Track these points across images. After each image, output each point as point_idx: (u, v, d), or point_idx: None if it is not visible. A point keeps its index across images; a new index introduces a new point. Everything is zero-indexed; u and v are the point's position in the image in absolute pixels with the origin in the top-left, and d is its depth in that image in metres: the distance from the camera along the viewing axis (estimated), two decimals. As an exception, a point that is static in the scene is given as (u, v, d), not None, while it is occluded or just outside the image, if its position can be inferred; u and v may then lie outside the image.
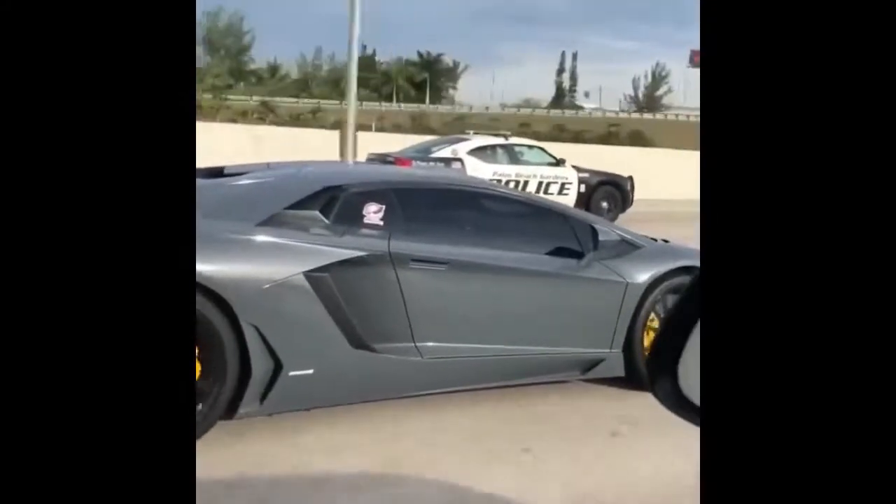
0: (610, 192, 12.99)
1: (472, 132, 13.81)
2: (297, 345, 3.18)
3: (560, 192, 12.40)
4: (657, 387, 1.00)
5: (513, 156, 12.61)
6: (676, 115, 59.96)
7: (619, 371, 3.92)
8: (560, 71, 77.82)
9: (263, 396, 3.13)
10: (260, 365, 3.08)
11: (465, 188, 4.04)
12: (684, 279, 3.99)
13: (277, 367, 3.12)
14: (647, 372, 1.02)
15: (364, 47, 69.51)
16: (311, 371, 3.19)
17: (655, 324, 4.08)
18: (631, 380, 3.99)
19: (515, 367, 3.70)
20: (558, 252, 3.82)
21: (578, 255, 3.82)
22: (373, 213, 3.52)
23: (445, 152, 12.12)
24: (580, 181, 12.68)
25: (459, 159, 11.93)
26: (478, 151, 12.29)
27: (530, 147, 13.19)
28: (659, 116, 61.07)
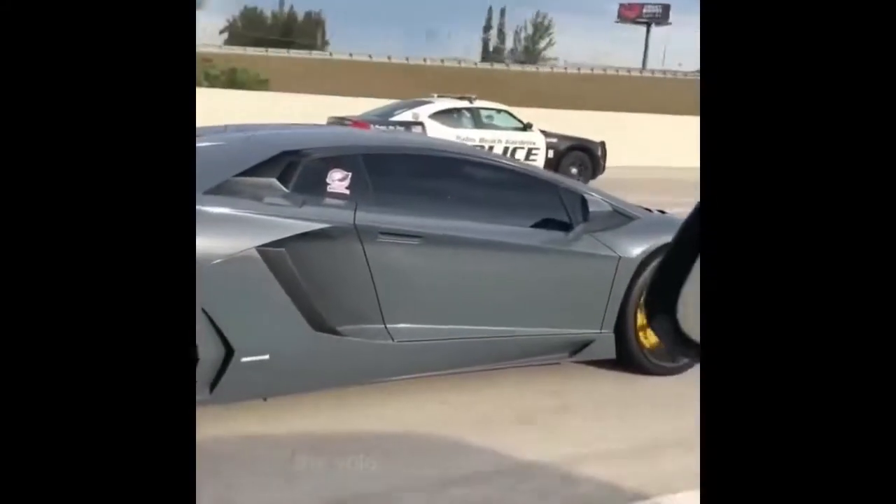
0: (580, 157, 12.84)
1: (436, 95, 13.54)
2: (251, 328, 2.96)
3: (527, 158, 12.24)
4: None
5: (478, 120, 12.39)
6: (565, 69, 54.74)
7: (610, 352, 3.76)
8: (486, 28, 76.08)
9: (213, 384, 2.91)
10: (208, 350, 2.86)
11: (443, 154, 3.77)
12: None
13: (228, 353, 2.90)
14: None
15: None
16: (266, 357, 2.97)
17: None
18: (622, 362, 3.84)
19: (497, 349, 3.51)
20: (544, 224, 3.63)
21: (566, 228, 3.63)
22: (337, 180, 3.27)
23: (406, 116, 11.91)
24: (548, 146, 12.51)
25: (421, 123, 11.70)
26: (440, 115, 12.11)
27: (497, 111, 12.94)
28: (543, 69, 55.99)
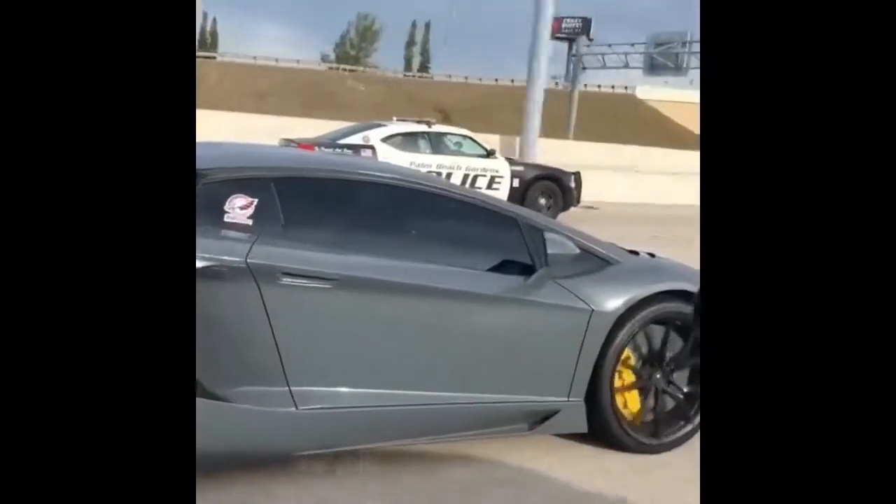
0: (549, 187, 12.22)
1: (395, 118, 12.97)
2: None
3: (489, 187, 11.67)
4: None
5: (436, 145, 11.79)
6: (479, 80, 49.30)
7: (580, 425, 3.18)
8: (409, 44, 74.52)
9: None
10: None
11: (379, 179, 3.13)
12: (674, 307, 3.25)
13: None
14: None
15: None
16: None
17: (632, 363, 3.31)
18: (596, 436, 3.21)
19: (434, 420, 2.95)
20: (500, 266, 3.07)
21: (528, 272, 3.05)
22: (238, 208, 2.70)
23: (356, 139, 11.28)
24: (513, 175, 11.90)
25: (371, 147, 11.08)
26: (394, 139, 11.55)
27: (458, 136, 12.34)
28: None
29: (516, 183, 11.92)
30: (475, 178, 11.62)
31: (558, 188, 12.29)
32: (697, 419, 3.37)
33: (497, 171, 11.81)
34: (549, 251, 3.05)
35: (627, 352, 3.25)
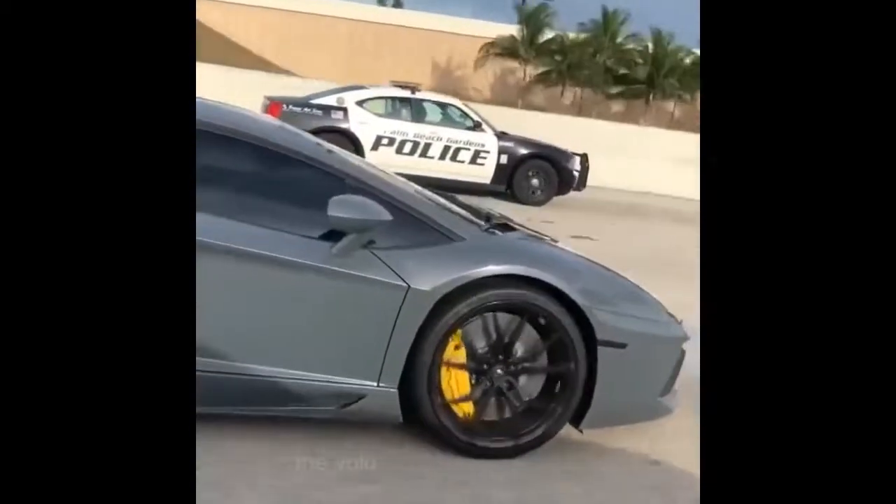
0: (542, 167, 11.62)
1: (389, 81, 12.52)
2: None
3: (473, 161, 11.16)
4: None
5: (418, 112, 11.37)
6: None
7: (392, 414, 2.96)
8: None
9: None
10: None
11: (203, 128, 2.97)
12: (516, 294, 2.97)
13: None
14: None
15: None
16: None
17: (461, 354, 3.01)
18: (425, 426, 3.02)
19: (227, 390, 2.85)
20: (309, 229, 2.89)
21: (335, 238, 2.86)
22: None
23: (330, 100, 10.82)
24: (501, 150, 11.36)
25: (343, 108, 10.63)
26: (370, 102, 11.16)
27: (444, 105, 11.86)
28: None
29: (504, 159, 11.41)
30: (457, 150, 11.19)
31: (553, 169, 11.68)
32: (526, 439, 3.05)
33: (482, 146, 11.32)
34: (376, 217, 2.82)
35: (456, 340, 2.97)
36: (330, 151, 3.28)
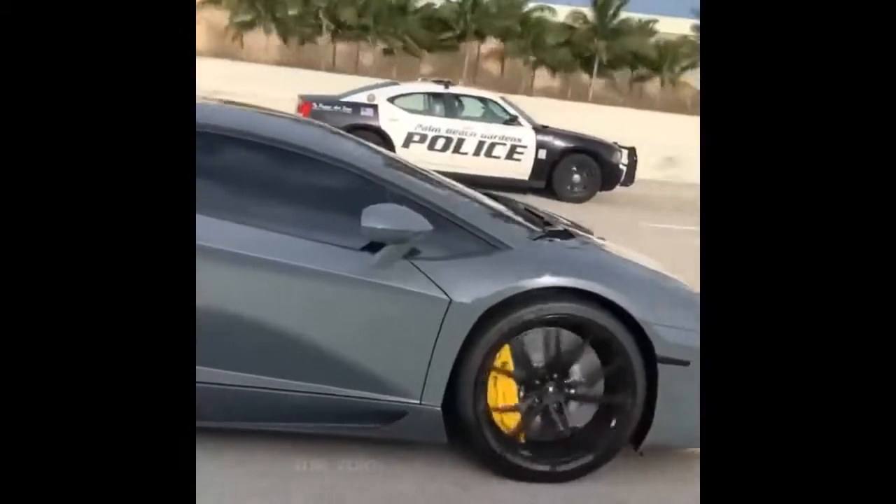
0: (584, 162, 11.26)
1: (420, 78, 12.34)
2: None
3: (510, 157, 10.86)
4: None
5: (450, 107, 11.11)
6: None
7: (436, 434, 2.84)
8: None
9: None
10: None
11: (230, 135, 2.98)
12: (571, 308, 2.78)
13: None
14: None
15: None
16: None
17: (510, 368, 2.86)
18: (472, 446, 2.91)
19: (257, 404, 2.79)
20: (344, 238, 2.80)
21: (376, 249, 2.77)
22: None
23: (360, 97, 10.66)
24: (539, 144, 11.03)
25: (374, 106, 10.43)
26: (402, 98, 10.96)
27: (479, 98, 11.56)
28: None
29: (543, 154, 11.07)
30: (492, 146, 10.88)
31: (596, 163, 11.30)
32: (602, 448, 2.89)
33: (519, 140, 11.00)
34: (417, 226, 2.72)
35: (505, 357, 2.82)
36: (371, 155, 3.25)
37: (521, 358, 2.84)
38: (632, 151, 11.64)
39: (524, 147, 11.03)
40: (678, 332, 2.80)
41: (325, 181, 2.97)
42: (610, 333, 2.77)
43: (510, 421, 2.87)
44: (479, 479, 2.89)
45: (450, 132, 10.74)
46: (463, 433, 2.85)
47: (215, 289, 2.66)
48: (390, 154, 3.56)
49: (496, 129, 11.02)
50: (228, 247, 2.67)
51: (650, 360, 2.79)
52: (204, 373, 2.65)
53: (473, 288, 2.75)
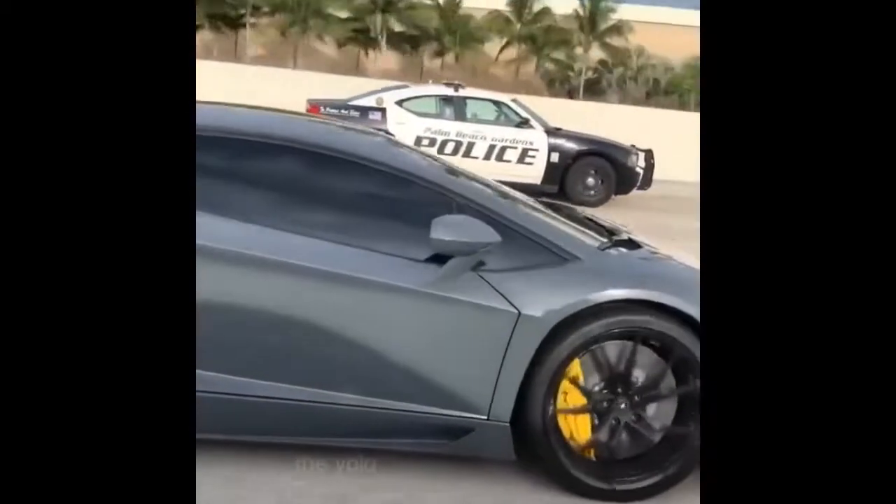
0: (598, 165, 11.09)
1: (430, 81, 12.23)
2: None
3: (521, 161, 10.69)
4: None
5: (460, 110, 10.95)
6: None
7: (504, 450, 2.78)
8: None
9: None
10: None
11: (285, 143, 2.99)
12: (643, 320, 2.74)
13: None
14: None
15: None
16: None
17: (582, 384, 2.79)
18: (540, 466, 2.84)
19: (320, 420, 2.77)
20: (412, 252, 2.77)
21: (441, 261, 2.73)
22: None
23: (368, 100, 10.55)
24: (551, 148, 10.87)
25: (382, 109, 10.31)
26: (411, 102, 10.85)
27: (490, 101, 11.44)
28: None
29: (555, 157, 10.91)
30: (503, 149, 10.75)
31: (611, 166, 11.13)
32: (673, 469, 2.80)
33: (530, 144, 10.85)
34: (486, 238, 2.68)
35: (576, 370, 2.75)
36: (435, 166, 3.26)
37: (582, 388, 2.78)
38: (649, 154, 11.49)
39: (536, 150, 10.88)
40: None
41: (392, 192, 2.95)
42: (689, 352, 2.68)
43: (580, 435, 2.80)
44: (480, 479, 2.88)
45: (459, 136, 10.61)
46: (531, 448, 2.79)
47: (279, 301, 2.67)
48: (453, 164, 3.56)
49: (507, 133, 10.88)
50: (297, 260, 2.67)
51: None
52: (263, 387, 2.68)
53: (543, 300, 2.71)
